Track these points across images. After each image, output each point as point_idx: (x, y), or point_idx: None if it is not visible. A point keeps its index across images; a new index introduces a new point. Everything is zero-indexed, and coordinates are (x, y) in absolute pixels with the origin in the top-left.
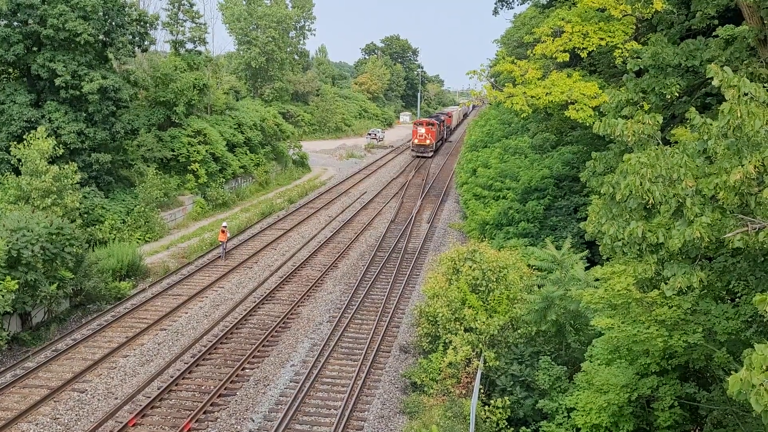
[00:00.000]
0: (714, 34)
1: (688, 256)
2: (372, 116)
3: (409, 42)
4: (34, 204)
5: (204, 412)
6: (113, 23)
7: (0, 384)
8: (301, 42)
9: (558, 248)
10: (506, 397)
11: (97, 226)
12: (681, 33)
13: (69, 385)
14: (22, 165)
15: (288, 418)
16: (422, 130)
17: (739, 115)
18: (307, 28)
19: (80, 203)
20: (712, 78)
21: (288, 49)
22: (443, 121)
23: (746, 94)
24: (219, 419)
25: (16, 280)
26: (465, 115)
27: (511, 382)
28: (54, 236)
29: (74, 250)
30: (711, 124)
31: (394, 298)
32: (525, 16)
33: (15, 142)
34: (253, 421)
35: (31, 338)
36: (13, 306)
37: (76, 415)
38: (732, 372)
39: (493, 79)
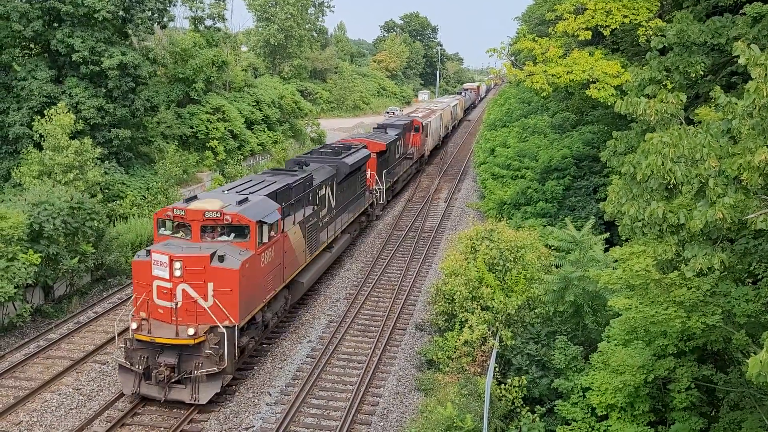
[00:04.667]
0: (741, 11)
1: (709, 238)
2: (390, 94)
3: (428, 19)
4: (56, 179)
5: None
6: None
7: (24, 354)
8: (320, 19)
9: (578, 229)
10: (523, 376)
11: (117, 202)
12: (707, 10)
13: (90, 357)
14: (44, 140)
15: (304, 393)
16: (163, 273)
17: (765, 94)
18: (325, 4)
19: (101, 178)
20: (738, 56)
21: (307, 26)
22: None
23: None
24: (237, 392)
25: (39, 254)
26: (473, 105)
27: (527, 362)
28: (75, 210)
29: (95, 225)
30: (736, 104)
31: (411, 276)
32: None
33: (37, 117)
34: (270, 395)
35: (53, 311)
36: (35, 279)
37: (98, 385)
38: (751, 354)
39: (513, 57)
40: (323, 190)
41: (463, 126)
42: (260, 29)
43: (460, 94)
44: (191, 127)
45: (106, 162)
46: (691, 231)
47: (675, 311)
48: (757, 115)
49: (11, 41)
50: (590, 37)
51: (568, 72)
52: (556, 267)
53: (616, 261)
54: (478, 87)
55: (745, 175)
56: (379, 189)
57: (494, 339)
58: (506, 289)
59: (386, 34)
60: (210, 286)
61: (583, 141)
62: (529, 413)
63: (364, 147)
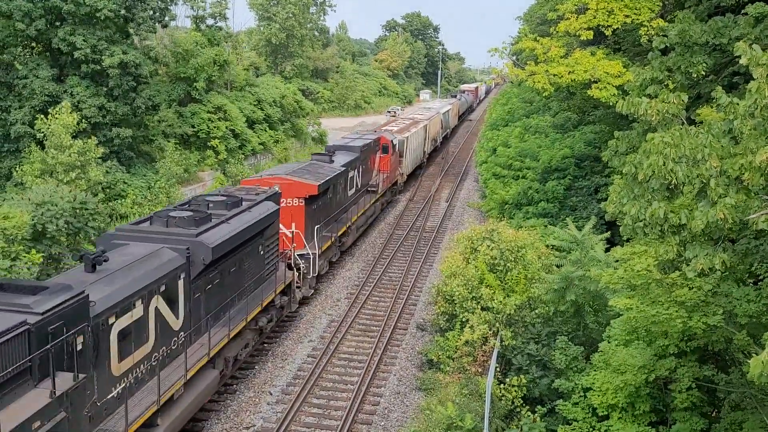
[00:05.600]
0: (743, 11)
1: (710, 238)
2: (392, 94)
3: (430, 19)
4: (58, 178)
5: (224, 385)
6: None
7: None
8: (322, 18)
9: (579, 229)
10: (522, 376)
11: (119, 201)
12: (709, 10)
13: None
14: (46, 139)
15: (305, 392)
16: None
17: (766, 94)
18: (327, 3)
19: (103, 177)
20: (740, 56)
21: (308, 26)
22: None
23: None
24: (237, 392)
25: (41, 254)
26: (470, 109)
27: (528, 362)
28: (78, 211)
29: (97, 225)
30: (738, 104)
31: (412, 276)
32: None
33: (40, 116)
34: (271, 394)
35: None
36: (37, 278)
37: None
38: (752, 355)
39: (515, 57)
40: (132, 315)
41: (465, 126)
42: (262, 28)
43: (455, 96)
44: (193, 126)
45: (108, 161)
46: (692, 231)
47: (676, 311)
48: (758, 115)
49: (13, 40)
50: (592, 37)
51: (569, 72)
52: (557, 267)
53: (617, 261)
54: (476, 88)
55: (746, 175)
56: (308, 256)
57: (495, 339)
58: (507, 289)
59: (388, 34)
60: None
61: (585, 141)
62: (529, 413)
63: (271, 196)
